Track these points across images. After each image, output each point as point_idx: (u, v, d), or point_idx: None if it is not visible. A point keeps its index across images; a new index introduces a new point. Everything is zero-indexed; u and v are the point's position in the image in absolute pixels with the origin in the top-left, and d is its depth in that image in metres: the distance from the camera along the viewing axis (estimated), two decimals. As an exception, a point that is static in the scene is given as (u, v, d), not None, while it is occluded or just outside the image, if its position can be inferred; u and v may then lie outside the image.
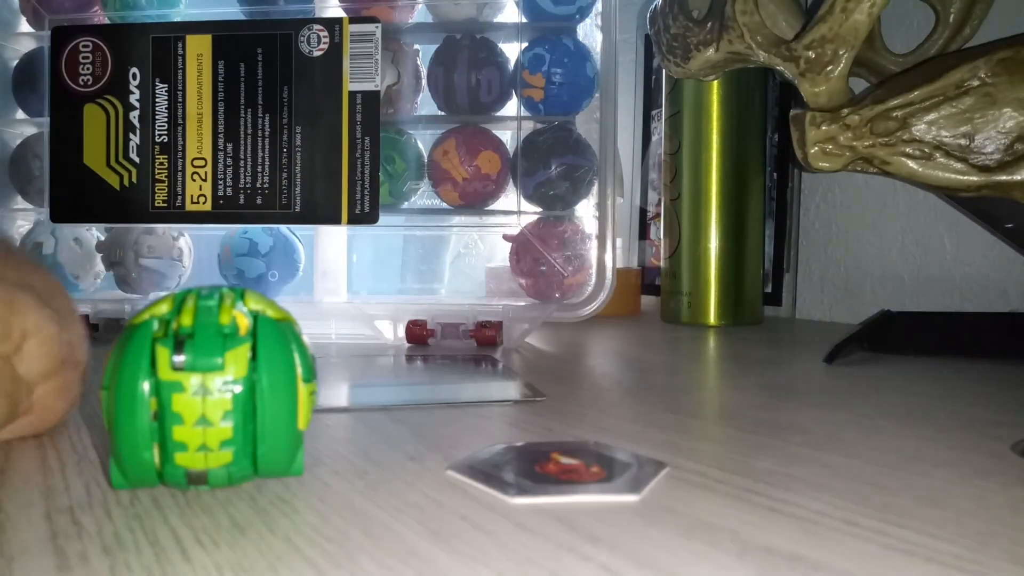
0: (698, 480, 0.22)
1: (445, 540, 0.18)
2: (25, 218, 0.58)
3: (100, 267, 0.57)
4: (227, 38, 0.51)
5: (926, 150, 0.40)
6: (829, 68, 0.42)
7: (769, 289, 0.71)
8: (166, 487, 0.21)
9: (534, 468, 0.23)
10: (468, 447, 0.26)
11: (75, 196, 0.53)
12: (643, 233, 0.86)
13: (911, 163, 0.41)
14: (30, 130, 0.57)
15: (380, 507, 0.20)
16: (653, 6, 0.55)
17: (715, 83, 0.62)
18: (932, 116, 0.40)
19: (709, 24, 0.47)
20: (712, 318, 0.63)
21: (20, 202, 0.57)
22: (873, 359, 0.45)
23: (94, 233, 0.57)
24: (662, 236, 0.67)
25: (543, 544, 0.17)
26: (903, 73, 0.43)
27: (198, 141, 0.52)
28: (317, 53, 0.50)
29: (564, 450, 0.25)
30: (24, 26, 0.57)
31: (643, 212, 0.87)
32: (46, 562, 0.16)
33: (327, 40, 0.50)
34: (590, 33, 0.52)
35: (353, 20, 0.51)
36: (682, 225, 0.64)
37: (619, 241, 0.77)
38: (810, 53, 0.42)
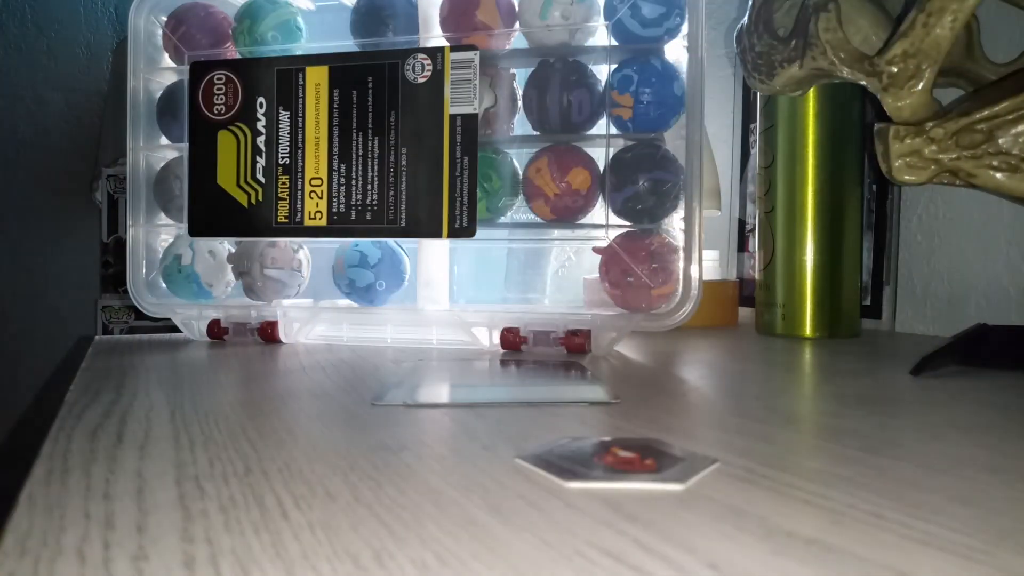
0: (744, 475, 0.24)
1: (501, 513, 0.20)
2: (167, 232, 0.65)
3: (231, 276, 0.63)
4: (342, 68, 0.56)
5: (1012, 162, 0.40)
6: (912, 82, 0.42)
7: (868, 302, 0.71)
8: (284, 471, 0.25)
9: (593, 459, 0.25)
10: (539, 440, 0.28)
11: (210, 213, 0.59)
12: (742, 245, 0.87)
13: (997, 175, 0.41)
14: (172, 154, 0.64)
15: (451, 485, 0.23)
16: (740, 25, 0.56)
17: (810, 95, 0.62)
18: (1019, 128, 0.40)
19: (793, 42, 0.48)
20: (807, 330, 0.63)
21: (163, 218, 0.64)
22: (964, 373, 0.45)
23: (225, 246, 0.63)
24: (757, 248, 0.67)
25: (586, 519, 0.20)
26: (991, 85, 0.43)
27: (315, 163, 0.57)
28: (421, 80, 0.54)
29: (623, 445, 0.27)
30: (166, 62, 0.64)
31: (742, 224, 0.87)
32: (174, 516, 0.20)
33: (430, 68, 0.54)
34: (679, 53, 0.54)
35: (454, 48, 0.54)
36: (776, 237, 0.64)
37: (716, 253, 0.77)
38: (892, 68, 0.43)
